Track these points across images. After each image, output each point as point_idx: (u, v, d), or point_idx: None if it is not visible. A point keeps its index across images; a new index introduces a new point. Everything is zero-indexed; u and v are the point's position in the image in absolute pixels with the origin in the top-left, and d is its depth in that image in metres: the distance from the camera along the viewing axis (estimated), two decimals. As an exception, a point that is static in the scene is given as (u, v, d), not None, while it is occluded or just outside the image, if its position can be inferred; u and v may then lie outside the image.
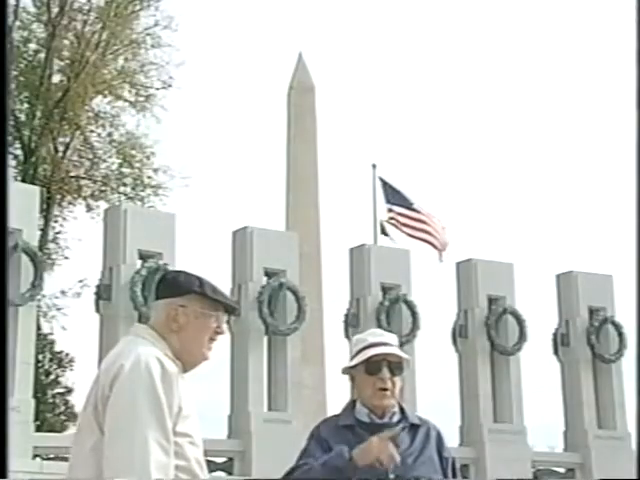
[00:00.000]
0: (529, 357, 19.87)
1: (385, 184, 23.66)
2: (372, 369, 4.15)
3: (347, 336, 18.41)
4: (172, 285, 3.59)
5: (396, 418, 4.22)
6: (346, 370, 4.32)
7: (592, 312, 20.30)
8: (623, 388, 20.27)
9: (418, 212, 22.84)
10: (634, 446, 19.00)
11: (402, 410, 4.27)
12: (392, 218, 23.05)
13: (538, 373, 23.36)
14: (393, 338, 4.34)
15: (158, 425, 3.25)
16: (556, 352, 20.23)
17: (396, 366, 4.19)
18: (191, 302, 3.55)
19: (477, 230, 46.97)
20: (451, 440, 19.23)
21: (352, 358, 4.28)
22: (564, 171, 59.63)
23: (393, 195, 23.41)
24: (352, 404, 4.30)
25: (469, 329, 19.16)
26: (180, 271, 3.72)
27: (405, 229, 22.75)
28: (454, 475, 4.27)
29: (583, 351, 19.99)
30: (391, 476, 4.02)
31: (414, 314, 18.43)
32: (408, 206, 22.96)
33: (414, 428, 4.23)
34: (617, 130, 52.36)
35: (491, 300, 19.42)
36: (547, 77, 61.61)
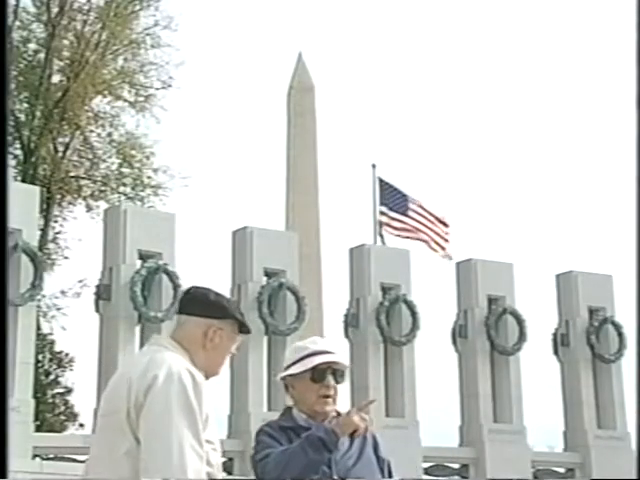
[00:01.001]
0: (529, 357, 19.90)
1: (383, 185, 23.63)
2: (318, 377, 4.26)
3: (347, 336, 18.43)
4: (215, 307, 3.77)
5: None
6: (285, 377, 4.42)
7: (592, 312, 20.30)
8: (623, 388, 20.27)
9: (413, 218, 22.84)
10: (634, 446, 19.01)
11: (338, 415, 4.32)
12: (386, 223, 23.05)
13: (538, 373, 23.37)
14: (333, 345, 4.44)
15: (192, 432, 3.42)
16: (556, 352, 20.23)
17: (340, 374, 4.30)
18: (227, 325, 3.78)
19: (477, 230, 46.99)
20: (451, 440, 19.24)
21: (291, 366, 4.37)
22: (564, 171, 59.66)
23: (391, 197, 23.39)
24: (288, 411, 4.42)
25: (469, 329, 19.16)
26: (218, 293, 3.85)
27: (400, 232, 22.75)
28: (390, 476, 4.41)
29: (583, 351, 19.99)
30: (335, 477, 4.13)
31: (414, 314, 18.42)
32: (403, 212, 22.97)
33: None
34: (617, 130, 52.38)
35: (491, 300, 19.42)
36: (547, 77, 61.64)
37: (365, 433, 4.22)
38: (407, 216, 22.84)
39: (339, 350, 4.46)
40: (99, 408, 3.71)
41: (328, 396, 4.28)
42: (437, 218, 22.86)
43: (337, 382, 4.31)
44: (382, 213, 23.20)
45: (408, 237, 22.69)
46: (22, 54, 27.93)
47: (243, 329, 3.85)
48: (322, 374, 4.26)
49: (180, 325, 3.77)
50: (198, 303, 3.77)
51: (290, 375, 4.37)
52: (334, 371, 4.29)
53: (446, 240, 22.65)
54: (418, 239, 22.48)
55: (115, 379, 3.65)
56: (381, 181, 23.79)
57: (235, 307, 3.86)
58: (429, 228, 22.67)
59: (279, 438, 4.25)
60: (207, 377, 3.71)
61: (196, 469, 3.39)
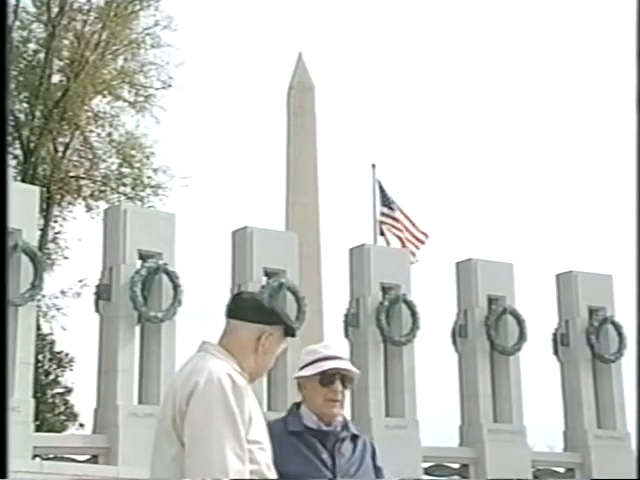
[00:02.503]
0: (529, 357, 19.90)
1: (381, 187, 23.88)
2: (326, 381, 4.42)
3: (347, 336, 18.43)
4: (269, 314, 3.94)
5: (340, 427, 4.48)
6: (299, 378, 4.55)
7: (592, 312, 20.31)
8: (623, 388, 20.28)
9: (400, 213, 23.17)
10: (634, 446, 19.01)
11: (345, 420, 4.54)
12: (383, 222, 23.30)
13: (538, 373, 23.37)
14: (343, 351, 4.62)
15: (233, 435, 3.55)
16: (556, 352, 20.24)
17: (348, 379, 4.47)
18: (277, 331, 3.94)
19: (477, 230, 46.99)
20: (451, 440, 19.24)
21: (303, 367, 4.53)
22: (564, 171, 59.66)
23: (387, 198, 23.64)
24: (296, 408, 4.56)
25: (469, 329, 19.16)
26: (268, 300, 4.08)
27: (390, 229, 23.05)
28: None
29: (583, 351, 20.00)
30: None
31: (414, 314, 18.42)
32: (389, 206, 23.30)
33: (354, 438, 4.51)
34: (617, 130, 52.39)
35: (491, 300, 19.42)
36: (547, 77, 61.64)
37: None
38: (396, 211, 23.19)
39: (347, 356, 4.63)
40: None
41: (335, 400, 4.42)
42: (415, 226, 23.17)
43: (345, 387, 4.45)
44: (382, 214, 23.39)
45: (395, 228, 22.96)
46: (22, 54, 27.91)
47: (289, 332, 3.99)
48: (330, 379, 4.41)
49: (231, 330, 3.90)
50: (252, 309, 3.92)
51: (302, 376, 4.50)
52: (342, 377, 4.44)
53: (417, 247, 22.96)
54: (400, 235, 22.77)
55: (168, 387, 3.84)
56: (380, 184, 23.98)
57: (285, 313, 4.02)
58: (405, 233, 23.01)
59: (279, 449, 4.21)
60: (253, 379, 3.86)
61: (237, 471, 3.51)
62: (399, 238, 23.05)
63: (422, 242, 23.08)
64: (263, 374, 3.98)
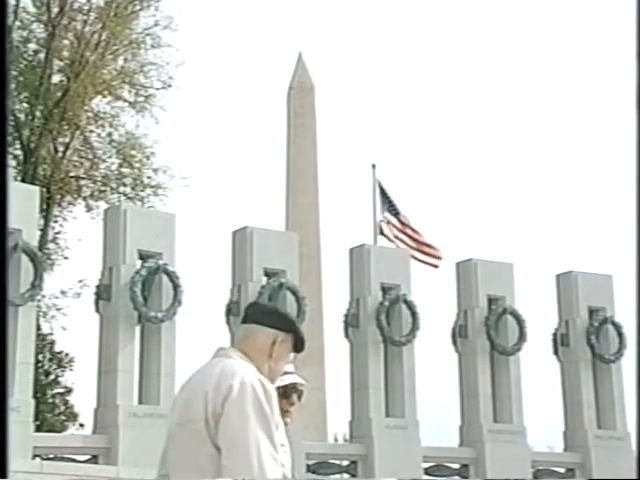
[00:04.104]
0: (529, 357, 19.90)
1: (381, 189, 23.90)
2: (287, 394, 4.81)
3: (347, 336, 18.43)
4: (284, 319, 4.11)
5: None
6: None
7: (592, 312, 20.30)
8: (623, 388, 20.27)
9: (408, 225, 23.20)
10: (634, 446, 19.01)
11: None
12: (386, 225, 23.31)
13: (538, 373, 23.39)
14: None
15: (268, 438, 3.75)
16: (556, 352, 20.24)
17: (302, 393, 4.91)
18: (289, 338, 4.10)
19: (477, 230, 46.99)
20: (451, 440, 19.25)
21: None
22: (564, 171, 59.64)
23: (387, 201, 23.64)
24: None
25: (469, 329, 19.15)
26: (281, 308, 4.27)
27: (399, 242, 23.06)
28: None
29: (583, 351, 19.99)
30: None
31: (414, 314, 18.42)
32: (396, 214, 23.30)
33: None
34: (617, 130, 52.38)
35: (491, 300, 19.42)
36: (546, 77, 61.63)
37: None
38: (404, 224, 23.15)
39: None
40: (172, 417, 3.98)
41: (289, 411, 4.79)
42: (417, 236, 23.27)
43: (299, 400, 4.86)
44: (387, 221, 23.45)
45: (407, 243, 22.93)
46: (22, 54, 27.91)
47: (298, 346, 4.13)
48: (290, 392, 4.80)
49: (248, 334, 4.03)
50: (268, 313, 4.09)
51: None
52: (297, 391, 4.85)
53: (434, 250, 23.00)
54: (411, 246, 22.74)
55: (189, 390, 3.92)
56: (379, 185, 23.99)
57: (299, 325, 4.17)
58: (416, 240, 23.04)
59: None
60: None
61: (273, 472, 3.69)
62: (403, 242, 22.99)
63: (432, 250, 23.05)
64: (275, 381, 4.08)
